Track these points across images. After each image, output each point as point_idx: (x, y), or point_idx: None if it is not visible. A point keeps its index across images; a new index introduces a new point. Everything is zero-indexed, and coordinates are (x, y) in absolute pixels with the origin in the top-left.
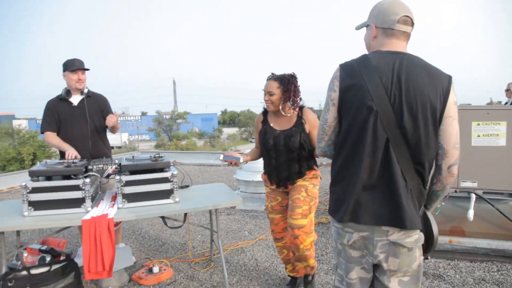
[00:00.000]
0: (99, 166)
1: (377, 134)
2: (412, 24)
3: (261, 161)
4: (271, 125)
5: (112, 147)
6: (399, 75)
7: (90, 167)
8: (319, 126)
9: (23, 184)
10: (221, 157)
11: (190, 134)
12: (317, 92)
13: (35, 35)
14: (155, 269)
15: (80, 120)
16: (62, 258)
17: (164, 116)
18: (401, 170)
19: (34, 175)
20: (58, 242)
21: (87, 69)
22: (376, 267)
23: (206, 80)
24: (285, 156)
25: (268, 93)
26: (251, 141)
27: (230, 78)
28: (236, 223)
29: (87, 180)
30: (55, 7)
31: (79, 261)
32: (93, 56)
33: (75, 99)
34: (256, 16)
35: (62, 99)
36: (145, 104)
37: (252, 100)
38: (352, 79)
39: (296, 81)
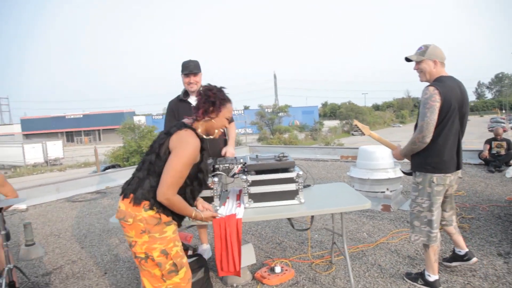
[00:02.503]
0: (225, 165)
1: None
2: None
3: (377, 157)
4: None
5: None
6: (460, 87)
7: (217, 166)
8: (431, 123)
9: None
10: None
11: (291, 127)
12: None
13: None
14: (277, 269)
15: None
16: (189, 252)
17: (266, 109)
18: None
19: None
20: (185, 236)
21: (199, 72)
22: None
23: (306, 73)
24: None
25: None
26: (353, 134)
27: (330, 70)
28: (352, 223)
29: (215, 179)
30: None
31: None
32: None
33: (193, 100)
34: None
35: (182, 100)
36: (248, 99)
37: (353, 91)
38: (445, 93)
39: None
